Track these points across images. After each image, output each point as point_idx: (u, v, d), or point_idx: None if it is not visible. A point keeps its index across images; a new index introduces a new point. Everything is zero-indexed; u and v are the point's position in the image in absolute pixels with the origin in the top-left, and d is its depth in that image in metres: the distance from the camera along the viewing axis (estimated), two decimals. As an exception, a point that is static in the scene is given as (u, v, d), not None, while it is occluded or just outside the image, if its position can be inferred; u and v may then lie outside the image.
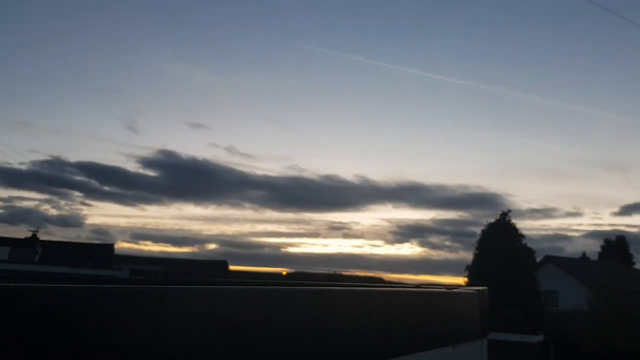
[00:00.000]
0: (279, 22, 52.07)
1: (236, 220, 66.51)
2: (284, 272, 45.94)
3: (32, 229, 33.91)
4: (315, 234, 69.76)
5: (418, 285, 1.75)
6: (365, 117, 59.47)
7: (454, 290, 1.61)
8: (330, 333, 1.06)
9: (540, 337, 21.88)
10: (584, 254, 39.24)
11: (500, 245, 25.35)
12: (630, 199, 63.14)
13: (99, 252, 32.82)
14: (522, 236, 26.78)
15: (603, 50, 48.49)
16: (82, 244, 36.30)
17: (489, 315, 1.72)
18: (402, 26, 50.27)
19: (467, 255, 60.12)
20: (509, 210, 27.34)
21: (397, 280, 38.12)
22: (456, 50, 51.83)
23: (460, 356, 1.53)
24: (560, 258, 35.37)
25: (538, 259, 29.33)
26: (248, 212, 64.02)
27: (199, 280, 3.09)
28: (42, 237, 33.53)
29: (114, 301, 0.74)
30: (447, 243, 67.23)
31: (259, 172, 65.31)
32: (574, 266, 33.86)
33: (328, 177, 61.07)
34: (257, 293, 0.96)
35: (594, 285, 24.81)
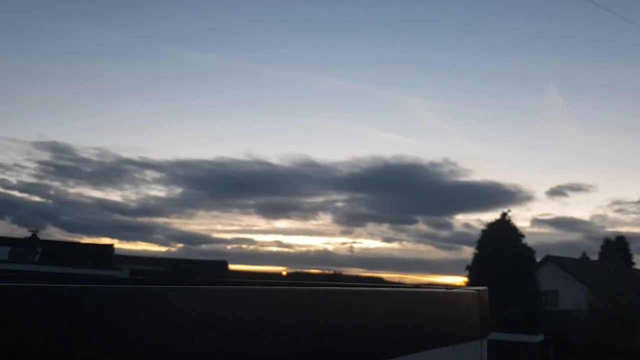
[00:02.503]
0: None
1: (158, 207, 61.20)
2: (284, 272, 45.92)
3: (32, 229, 33.93)
4: (264, 230, 68.43)
5: (418, 285, 1.75)
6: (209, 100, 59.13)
7: (454, 290, 1.61)
8: (330, 333, 1.06)
9: (540, 337, 21.87)
10: (584, 253, 39.29)
11: (500, 245, 25.34)
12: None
13: (99, 252, 32.83)
14: (522, 236, 26.80)
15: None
16: (82, 244, 36.33)
17: (489, 315, 1.72)
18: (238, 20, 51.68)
19: (423, 248, 59.81)
20: (509, 210, 27.39)
21: (398, 280, 38.17)
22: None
23: (460, 356, 1.53)
24: (560, 258, 35.37)
25: (538, 259, 29.35)
26: (161, 198, 59.98)
27: (199, 280, 3.09)
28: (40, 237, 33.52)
29: (114, 301, 0.74)
30: (402, 235, 65.94)
31: (134, 155, 62.20)
32: (574, 266, 33.87)
33: (219, 157, 59.33)
34: (257, 293, 0.96)
35: (594, 285, 24.81)
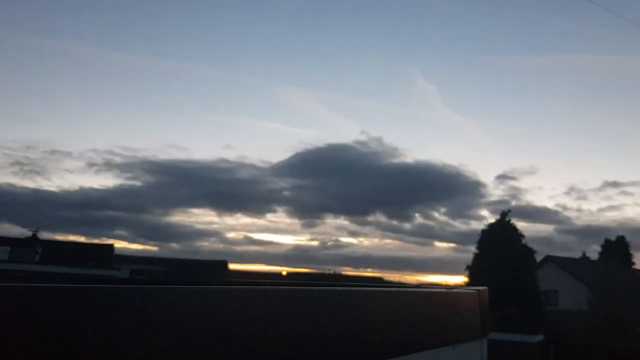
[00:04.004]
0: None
1: (100, 199, 55.71)
2: (284, 272, 45.69)
3: (32, 229, 33.92)
4: (227, 227, 64.08)
5: (418, 285, 1.75)
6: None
7: (454, 290, 1.61)
8: (331, 333, 1.06)
9: (540, 337, 21.88)
10: (583, 253, 39.32)
11: (500, 245, 25.35)
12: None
13: (99, 252, 32.83)
14: (522, 236, 26.82)
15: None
16: (82, 243, 36.31)
17: (489, 315, 1.72)
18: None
19: (392, 245, 57.81)
20: (509, 210, 27.39)
21: (397, 280, 38.11)
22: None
23: (460, 356, 1.53)
24: (561, 258, 35.39)
25: (538, 259, 29.37)
26: (99, 190, 55.61)
27: (199, 280, 3.09)
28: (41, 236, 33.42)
29: (114, 301, 0.74)
30: (366, 229, 63.35)
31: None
32: (574, 266, 33.87)
33: (131, 149, 56.34)
34: (257, 293, 0.96)
35: (594, 285, 24.81)
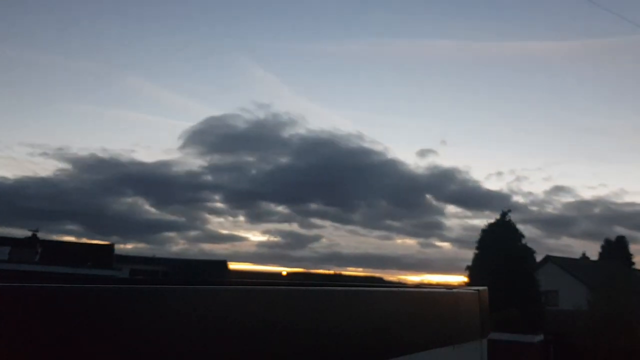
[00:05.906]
0: None
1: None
2: (284, 272, 45.44)
3: (32, 229, 33.91)
4: (180, 223, 61.88)
5: (418, 285, 1.75)
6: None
7: (454, 290, 1.61)
8: (330, 333, 1.06)
9: (540, 337, 21.87)
10: (584, 254, 39.39)
11: (500, 245, 25.35)
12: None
13: (99, 252, 32.84)
14: (522, 236, 26.82)
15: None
16: (82, 244, 36.36)
17: (489, 315, 1.72)
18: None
19: (355, 241, 56.58)
20: (509, 210, 27.39)
21: (397, 280, 37.98)
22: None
23: (460, 356, 1.53)
24: (561, 258, 35.42)
25: (538, 259, 29.38)
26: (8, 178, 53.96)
27: (199, 280, 3.09)
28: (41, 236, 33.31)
29: (114, 301, 0.74)
30: (315, 221, 61.24)
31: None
32: (574, 266, 33.90)
33: (61, 150, 55.55)
34: (257, 293, 0.96)
35: (594, 285, 24.82)
